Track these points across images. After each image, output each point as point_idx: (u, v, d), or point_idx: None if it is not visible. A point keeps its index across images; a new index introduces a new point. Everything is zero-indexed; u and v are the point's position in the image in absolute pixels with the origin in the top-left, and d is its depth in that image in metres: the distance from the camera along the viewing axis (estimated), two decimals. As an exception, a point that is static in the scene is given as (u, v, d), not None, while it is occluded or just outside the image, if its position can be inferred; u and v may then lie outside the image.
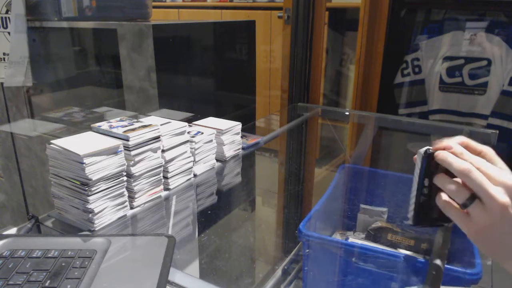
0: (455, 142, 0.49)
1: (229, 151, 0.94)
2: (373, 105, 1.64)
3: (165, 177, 0.77)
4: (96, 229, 0.63)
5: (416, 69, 1.66)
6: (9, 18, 1.05)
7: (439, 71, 1.62)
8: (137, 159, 0.69)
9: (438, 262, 0.54)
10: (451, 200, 0.47)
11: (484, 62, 1.54)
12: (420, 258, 0.60)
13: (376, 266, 0.62)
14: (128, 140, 0.67)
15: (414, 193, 0.51)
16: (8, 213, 1.58)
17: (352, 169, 0.97)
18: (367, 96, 1.64)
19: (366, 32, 1.57)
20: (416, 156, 0.51)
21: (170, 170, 0.77)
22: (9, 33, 1.06)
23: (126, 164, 0.67)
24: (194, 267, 0.69)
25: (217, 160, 0.91)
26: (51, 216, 0.68)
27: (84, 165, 0.60)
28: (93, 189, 0.62)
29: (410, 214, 0.52)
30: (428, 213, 0.51)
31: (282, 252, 0.84)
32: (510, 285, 0.57)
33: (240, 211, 0.89)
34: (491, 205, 0.43)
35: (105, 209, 0.64)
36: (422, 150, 0.50)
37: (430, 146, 0.50)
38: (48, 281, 0.46)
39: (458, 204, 0.46)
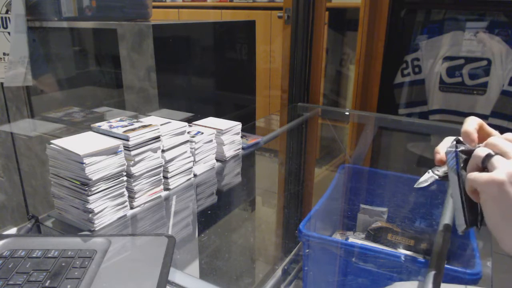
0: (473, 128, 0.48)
1: (229, 151, 0.94)
2: (373, 105, 1.64)
3: (165, 177, 0.77)
4: (96, 229, 0.63)
5: (416, 69, 1.66)
6: (9, 18, 1.05)
7: (439, 71, 1.62)
8: (137, 159, 0.69)
9: (438, 262, 0.54)
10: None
11: (484, 62, 1.54)
12: (420, 258, 0.60)
13: (376, 266, 0.62)
14: (128, 140, 0.67)
15: (457, 196, 0.48)
16: (8, 213, 1.58)
17: (352, 169, 0.97)
18: (367, 96, 1.64)
19: (366, 32, 1.56)
20: (444, 155, 0.49)
21: (170, 170, 0.77)
22: (9, 33, 1.06)
23: (126, 164, 0.67)
24: (194, 267, 0.69)
25: (217, 160, 0.91)
26: (51, 216, 0.68)
27: (84, 165, 0.60)
28: (93, 189, 0.62)
29: (460, 220, 0.48)
30: (477, 210, 0.48)
31: (282, 252, 0.84)
32: (510, 285, 0.57)
33: (240, 211, 0.89)
34: None
35: (105, 209, 0.64)
36: (452, 147, 0.48)
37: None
38: (48, 281, 0.46)
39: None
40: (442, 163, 0.53)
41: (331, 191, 0.83)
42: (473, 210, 0.48)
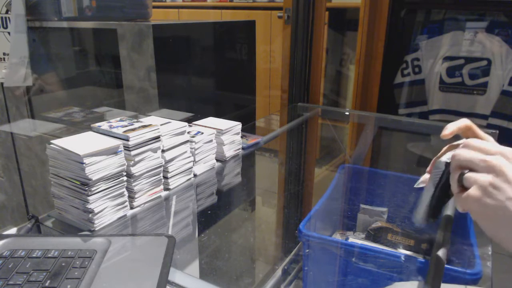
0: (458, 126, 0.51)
1: (229, 151, 0.94)
2: (373, 105, 1.64)
3: (165, 177, 0.77)
4: (96, 229, 0.63)
5: (416, 69, 1.66)
6: (9, 18, 1.05)
7: (439, 71, 1.62)
8: (137, 159, 0.69)
9: (438, 262, 0.54)
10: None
11: (484, 62, 1.54)
12: (420, 258, 0.60)
13: (376, 266, 0.62)
14: (128, 140, 0.67)
15: (428, 197, 0.51)
16: (8, 213, 1.58)
17: (352, 169, 0.97)
18: (367, 96, 1.64)
19: (366, 32, 1.56)
20: (431, 167, 0.53)
21: (170, 170, 0.77)
22: (9, 33, 1.06)
23: (126, 164, 0.67)
24: (194, 267, 0.69)
25: (217, 160, 0.91)
26: (51, 216, 0.68)
27: (84, 165, 0.60)
28: (93, 189, 0.62)
29: (422, 214, 0.52)
30: (437, 209, 0.52)
31: (282, 252, 0.84)
32: (510, 285, 0.57)
33: (240, 211, 0.89)
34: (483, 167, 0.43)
35: (105, 209, 0.64)
36: (443, 160, 0.51)
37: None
38: (48, 281, 0.46)
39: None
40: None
41: (331, 191, 0.83)
42: (437, 209, 0.51)
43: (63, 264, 0.49)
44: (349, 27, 2.21)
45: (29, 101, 1.34)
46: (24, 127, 1.39)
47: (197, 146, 0.83)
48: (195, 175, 0.85)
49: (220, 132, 0.90)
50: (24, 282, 0.46)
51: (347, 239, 0.81)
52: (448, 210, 0.65)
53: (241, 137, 0.97)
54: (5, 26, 1.06)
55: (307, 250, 0.67)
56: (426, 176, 0.57)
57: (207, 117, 0.98)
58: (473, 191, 0.42)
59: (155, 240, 0.55)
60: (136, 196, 0.70)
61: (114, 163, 0.64)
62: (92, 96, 1.36)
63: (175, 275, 0.53)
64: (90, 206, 0.62)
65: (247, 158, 0.99)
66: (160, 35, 1.07)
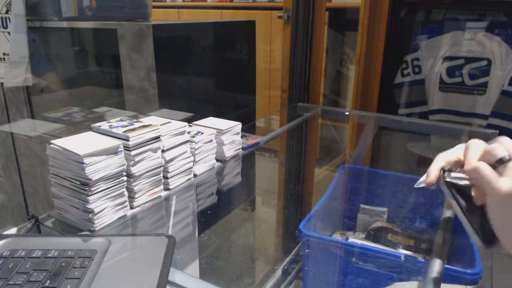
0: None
1: (229, 151, 0.94)
2: (373, 105, 1.64)
3: (165, 177, 0.77)
4: (96, 229, 0.63)
5: (416, 69, 1.66)
6: (9, 18, 1.05)
7: (439, 71, 1.62)
8: (137, 159, 0.69)
9: (438, 262, 0.54)
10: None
11: (484, 62, 1.54)
12: (420, 258, 0.60)
13: (376, 266, 0.62)
14: (128, 140, 0.67)
15: (463, 219, 0.48)
16: (8, 213, 1.58)
17: (352, 169, 0.97)
18: (367, 96, 1.64)
19: (366, 32, 1.56)
20: (435, 178, 0.51)
21: (170, 170, 0.77)
22: (9, 33, 1.06)
23: (126, 164, 0.67)
24: (194, 267, 0.69)
25: (217, 160, 0.91)
26: (51, 216, 0.68)
27: (84, 165, 0.60)
28: (93, 189, 0.62)
29: (476, 240, 0.48)
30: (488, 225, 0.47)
31: (282, 252, 0.84)
32: (510, 285, 0.57)
33: (240, 211, 0.89)
34: None
35: (105, 209, 0.64)
36: (444, 177, 0.49)
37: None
38: (48, 281, 0.46)
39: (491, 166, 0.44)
40: (431, 185, 0.53)
41: (331, 191, 0.83)
42: (485, 228, 0.47)
43: (63, 264, 0.49)
44: (349, 27, 2.21)
45: (29, 101, 1.34)
46: (24, 127, 1.39)
47: (197, 146, 0.83)
48: (195, 175, 0.85)
49: (220, 132, 0.90)
50: (24, 282, 0.46)
51: (347, 239, 0.81)
52: (448, 212, 0.65)
53: (241, 137, 0.97)
54: (5, 26, 1.06)
55: (307, 250, 0.67)
56: (426, 176, 0.57)
57: (207, 117, 0.98)
58: (509, 183, 0.41)
59: (155, 240, 0.55)
60: (136, 196, 0.70)
61: (114, 163, 0.64)
62: (92, 96, 1.36)
63: (175, 275, 0.53)
64: (90, 206, 0.62)
65: (247, 158, 0.99)
66: (160, 35, 1.07)
